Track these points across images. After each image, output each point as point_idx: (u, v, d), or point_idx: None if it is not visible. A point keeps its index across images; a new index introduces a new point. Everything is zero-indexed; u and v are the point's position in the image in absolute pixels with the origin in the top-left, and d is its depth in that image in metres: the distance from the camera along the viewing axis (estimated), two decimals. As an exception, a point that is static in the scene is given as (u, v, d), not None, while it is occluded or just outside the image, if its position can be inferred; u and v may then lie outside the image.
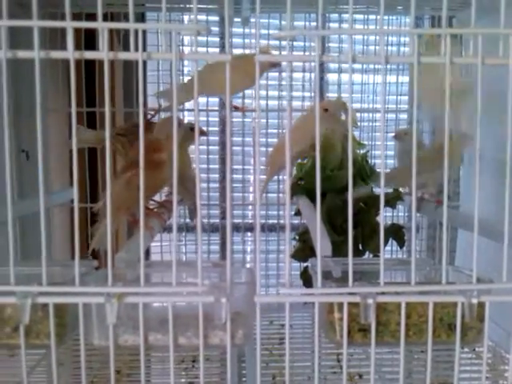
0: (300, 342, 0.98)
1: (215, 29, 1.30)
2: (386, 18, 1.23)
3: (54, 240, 1.15)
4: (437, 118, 1.11)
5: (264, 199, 1.26)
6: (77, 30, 0.44)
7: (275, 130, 1.26)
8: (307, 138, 0.94)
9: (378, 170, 1.12)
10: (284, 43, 0.48)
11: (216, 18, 1.30)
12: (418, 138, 1.17)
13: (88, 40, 0.89)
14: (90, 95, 1.13)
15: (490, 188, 0.91)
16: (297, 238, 1.14)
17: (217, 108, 1.34)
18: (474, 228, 0.49)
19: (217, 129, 1.39)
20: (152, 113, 1.11)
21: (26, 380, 0.47)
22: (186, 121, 1.18)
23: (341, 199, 1.03)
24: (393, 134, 1.13)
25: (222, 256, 1.38)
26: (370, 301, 0.48)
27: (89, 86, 1.13)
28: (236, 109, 1.14)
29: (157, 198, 1.00)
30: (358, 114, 1.27)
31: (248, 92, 1.21)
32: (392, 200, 1.10)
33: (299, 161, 1.12)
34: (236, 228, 1.32)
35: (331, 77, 1.38)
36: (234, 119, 1.23)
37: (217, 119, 1.38)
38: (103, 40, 0.43)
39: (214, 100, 1.34)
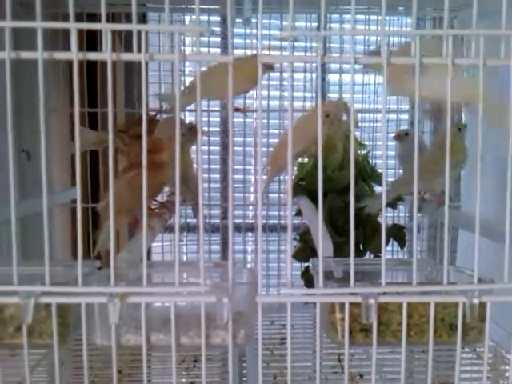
0: (301, 342, 0.98)
1: (216, 29, 1.30)
2: (387, 18, 1.23)
3: (55, 240, 1.15)
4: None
5: (265, 199, 1.26)
6: (79, 31, 0.44)
7: (276, 131, 1.26)
8: (308, 137, 0.95)
9: (379, 170, 1.13)
10: (285, 44, 0.48)
11: (217, 19, 1.30)
12: (419, 138, 1.17)
13: (88, 40, 0.90)
14: (91, 95, 1.13)
15: (490, 188, 0.91)
16: (298, 238, 1.14)
17: (218, 108, 1.34)
18: (476, 228, 0.49)
19: (218, 129, 1.39)
20: (153, 113, 1.12)
21: (28, 379, 0.47)
22: (187, 121, 1.19)
23: (342, 200, 1.03)
24: (394, 135, 1.14)
25: (223, 256, 1.38)
26: (372, 301, 0.48)
27: (90, 86, 1.13)
28: (237, 110, 1.15)
29: (158, 198, 1.01)
30: (359, 115, 1.27)
31: (249, 92, 1.21)
32: (393, 200, 1.10)
33: (300, 161, 1.12)
34: (237, 228, 1.32)
35: (332, 77, 1.38)
36: (236, 119, 1.24)
37: (218, 119, 1.38)
38: (106, 41, 0.43)
39: (215, 101, 1.34)
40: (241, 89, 0.99)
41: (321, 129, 0.47)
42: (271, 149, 1.16)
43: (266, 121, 1.25)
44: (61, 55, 0.44)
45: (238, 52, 1.24)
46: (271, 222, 1.32)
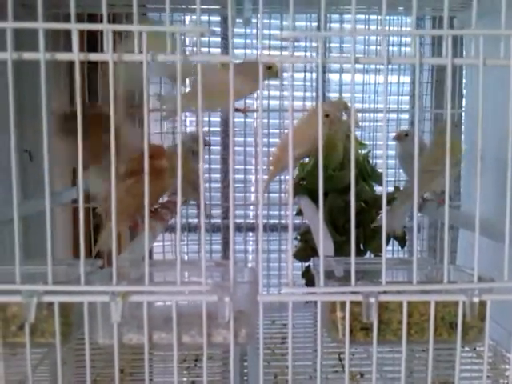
0: (301, 342, 0.98)
1: (217, 29, 1.30)
2: (387, 17, 1.24)
3: (56, 239, 1.15)
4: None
5: (266, 199, 1.27)
6: (80, 31, 0.45)
7: (277, 130, 1.26)
8: (310, 139, 0.95)
9: (379, 170, 1.13)
10: (286, 43, 0.48)
11: (217, 19, 1.31)
12: (419, 138, 1.17)
13: (89, 39, 0.90)
14: (92, 95, 1.13)
15: (490, 188, 0.92)
16: (298, 237, 1.14)
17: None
18: (476, 228, 0.49)
19: (218, 129, 1.39)
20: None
21: (31, 378, 0.48)
22: (187, 122, 1.20)
23: (343, 199, 1.03)
24: (394, 135, 1.14)
25: (224, 256, 1.38)
26: (372, 300, 0.48)
27: (91, 86, 1.13)
28: (238, 110, 1.15)
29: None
30: (360, 114, 1.27)
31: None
32: (393, 200, 1.10)
33: (301, 161, 1.12)
34: (238, 228, 1.33)
35: (333, 77, 1.38)
36: (236, 119, 1.24)
37: (218, 119, 1.38)
38: (108, 42, 0.43)
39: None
40: (242, 93, 0.99)
41: (321, 129, 0.47)
42: (272, 148, 1.16)
43: (266, 120, 1.25)
44: (62, 56, 0.45)
45: (238, 52, 1.24)
46: (272, 221, 1.33)
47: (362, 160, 1.12)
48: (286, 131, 1.22)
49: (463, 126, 1.22)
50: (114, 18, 1.04)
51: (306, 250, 1.10)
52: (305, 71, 1.29)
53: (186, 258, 1.31)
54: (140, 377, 0.84)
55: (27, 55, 0.44)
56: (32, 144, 1.02)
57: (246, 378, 0.81)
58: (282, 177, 1.21)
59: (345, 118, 1.07)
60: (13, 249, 0.46)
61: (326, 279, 0.49)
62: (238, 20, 1.08)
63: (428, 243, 1.37)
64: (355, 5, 0.46)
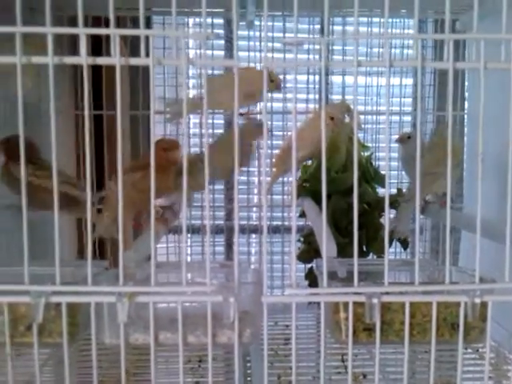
0: (304, 343, 0.98)
1: (220, 31, 1.31)
2: (389, 20, 1.24)
3: (61, 241, 1.16)
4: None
5: (269, 201, 1.27)
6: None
7: (280, 132, 1.27)
8: (313, 142, 0.96)
9: (382, 172, 1.13)
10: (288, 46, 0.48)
11: (220, 21, 1.31)
12: (422, 140, 1.18)
13: (92, 41, 0.91)
14: (96, 97, 1.14)
15: (492, 189, 0.92)
16: (301, 239, 1.14)
17: (221, 111, 1.35)
18: (477, 229, 0.50)
19: (222, 131, 1.39)
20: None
21: (39, 378, 0.48)
22: (191, 124, 1.20)
23: (345, 201, 1.04)
24: (396, 137, 1.14)
25: (227, 257, 1.39)
26: (375, 300, 0.49)
27: (95, 88, 1.14)
28: (241, 115, 1.15)
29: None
30: (362, 117, 1.28)
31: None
32: (396, 202, 1.10)
33: (304, 163, 1.13)
34: (241, 230, 1.33)
35: (335, 79, 1.39)
36: (240, 121, 1.24)
37: (222, 122, 1.39)
38: (115, 46, 0.44)
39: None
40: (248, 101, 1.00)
41: (325, 132, 0.48)
42: (275, 151, 1.17)
43: (269, 122, 1.26)
44: (71, 60, 0.45)
45: (242, 54, 1.25)
46: (275, 223, 1.33)
47: (365, 162, 1.12)
48: (289, 133, 1.23)
49: (465, 128, 1.22)
50: (118, 21, 1.04)
51: (309, 251, 1.11)
52: (308, 73, 1.29)
53: (189, 259, 1.32)
54: (144, 377, 0.84)
55: (36, 59, 0.45)
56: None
57: (249, 378, 0.81)
58: (285, 179, 1.21)
59: (347, 120, 1.08)
60: (20, 251, 0.47)
61: (329, 280, 0.50)
62: (241, 23, 1.09)
63: (430, 245, 1.37)
64: (358, 8, 0.46)
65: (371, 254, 1.09)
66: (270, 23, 1.24)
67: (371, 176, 1.11)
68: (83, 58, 0.44)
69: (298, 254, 1.10)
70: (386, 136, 0.51)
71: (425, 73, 1.26)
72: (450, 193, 0.51)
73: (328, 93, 1.37)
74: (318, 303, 0.51)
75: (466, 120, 1.23)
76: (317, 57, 1.18)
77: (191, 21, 1.25)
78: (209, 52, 1.22)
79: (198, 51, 1.18)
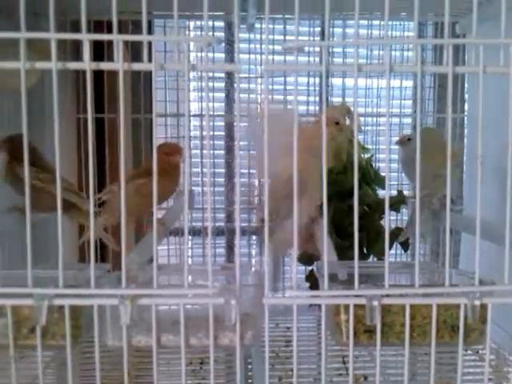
0: (305, 345, 0.98)
1: (221, 34, 1.31)
2: (389, 23, 1.25)
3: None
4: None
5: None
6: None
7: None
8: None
9: (382, 174, 1.14)
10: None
11: (221, 24, 1.32)
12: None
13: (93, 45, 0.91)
14: (98, 100, 1.14)
15: (492, 191, 0.92)
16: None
17: (222, 113, 1.36)
18: (476, 231, 0.50)
19: (222, 133, 1.40)
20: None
21: (42, 380, 0.49)
22: (192, 126, 1.21)
23: (346, 203, 1.04)
24: (396, 139, 1.14)
25: (228, 259, 1.39)
26: (376, 303, 0.49)
27: (97, 91, 1.14)
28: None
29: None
30: (362, 119, 1.28)
31: (253, 97, 1.22)
32: (396, 204, 1.11)
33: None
34: (242, 232, 1.33)
35: (335, 81, 1.39)
36: (241, 124, 1.25)
37: (222, 124, 1.39)
38: (118, 52, 0.44)
39: (220, 104, 1.36)
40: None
41: (326, 136, 0.48)
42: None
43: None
44: (74, 65, 0.46)
45: (242, 57, 1.25)
46: (275, 225, 1.33)
47: (365, 164, 1.12)
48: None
49: (465, 131, 1.22)
50: (119, 26, 1.05)
51: (310, 254, 1.11)
52: (308, 76, 1.30)
53: (190, 261, 1.32)
54: (145, 379, 0.85)
55: (39, 64, 0.45)
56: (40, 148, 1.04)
57: (250, 380, 0.81)
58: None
59: (348, 122, 1.08)
60: (23, 254, 0.47)
61: (329, 282, 0.50)
62: (241, 26, 1.09)
63: (431, 247, 1.37)
64: (358, 11, 0.47)
65: (372, 257, 1.09)
66: (270, 26, 1.25)
67: (371, 178, 1.12)
68: (86, 64, 0.45)
69: (298, 255, 1.11)
70: (386, 138, 0.52)
71: (425, 75, 1.27)
72: (450, 194, 0.51)
73: (328, 95, 1.38)
74: (319, 305, 0.51)
75: (466, 122, 1.23)
76: (317, 59, 1.19)
77: (192, 24, 1.26)
78: (210, 54, 1.23)
79: (199, 54, 1.18)
